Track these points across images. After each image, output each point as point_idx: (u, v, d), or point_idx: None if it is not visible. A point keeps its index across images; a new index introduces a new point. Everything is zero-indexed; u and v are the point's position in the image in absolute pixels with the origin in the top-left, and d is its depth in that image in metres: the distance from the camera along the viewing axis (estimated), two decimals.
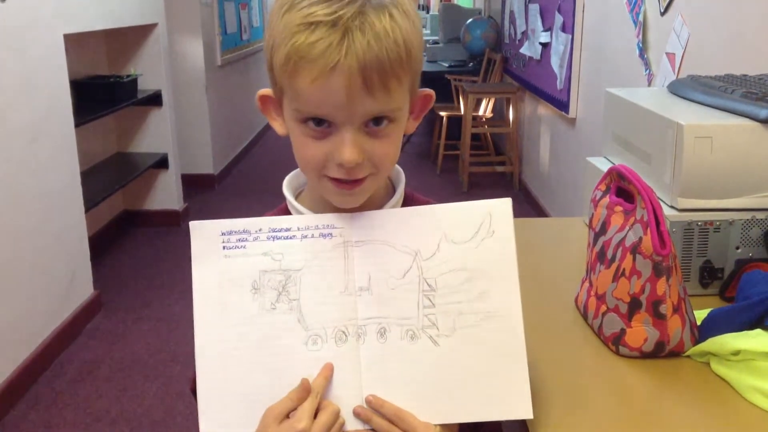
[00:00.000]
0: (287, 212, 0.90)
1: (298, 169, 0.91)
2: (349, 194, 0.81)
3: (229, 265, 0.82)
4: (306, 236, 0.82)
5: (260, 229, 0.83)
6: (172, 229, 4.33)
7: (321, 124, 0.77)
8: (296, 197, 0.91)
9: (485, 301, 0.82)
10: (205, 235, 0.83)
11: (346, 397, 0.81)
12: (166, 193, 4.45)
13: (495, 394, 0.82)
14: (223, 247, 0.82)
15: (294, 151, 0.82)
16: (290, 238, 0.82)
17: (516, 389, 0.82)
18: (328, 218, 0.83)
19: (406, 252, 0.82)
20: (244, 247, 0.82)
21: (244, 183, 5.44)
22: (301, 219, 0.84)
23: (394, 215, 0.84)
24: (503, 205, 0.84)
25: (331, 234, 0.82)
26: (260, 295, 0.82)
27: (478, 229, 0.83)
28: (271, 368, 0.81)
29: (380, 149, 0.79)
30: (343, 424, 0.80)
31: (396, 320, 0.81)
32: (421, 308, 0.81)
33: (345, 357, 0.81)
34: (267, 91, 0.84)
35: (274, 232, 0.83)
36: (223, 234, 0.83)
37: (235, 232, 0.83)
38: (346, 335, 0.81)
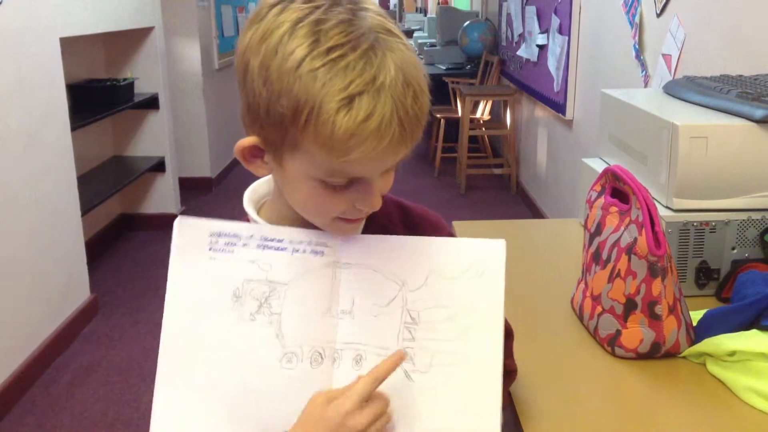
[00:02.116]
0: None
1: (260, 181, 0.88)
2: (355, 228, 0.80)
3: (213, 268, 0.79)
4: (297, 250, 0.80)
5: (251, 236, 0.80)
6: (169, 233, 4.23)
7: (343, 181, 0.73)
8: (258, 209, 0.88)
9: (466, 342, 0.79)
10: (193, 232, 0.80)
11: None
12: (163, 197, 4.44)
13: None
14: (210, 248, 0.80)
15: (296, 199, 0.77)
16: (281, 249, 0.80)
17: None
18: (322, 235, 0.80)
19: (394, 280, 0.80)
20: (232, 251, 0.79)
21: (242, 186, 5.33)
22: (295, 232, 0.81)
23: (387, 241, 0.81)
24: (497, 247, 0.80)
25: (322, 252, 0.80)
26: (240, 304, 0.78)
27: (469, 268, 0.80)
28: (238, 381, 0.77)
29: (387, 184, 0.77)
30: (390, 419, 0.77)
31: (373, 348, 0.79)
32: (401, 340, 0.79)
33: (317, 380, 0.78)
34: (251, 140, 0.74)
35: (265, 240, 0.80)
36: (212, 235, 0.80)
37: (225, 235, 0.80)
38: (321, 357, 0.78)
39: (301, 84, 0.67)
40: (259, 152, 0.76)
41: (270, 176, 0.87)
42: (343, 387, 0.75)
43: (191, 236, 0.80)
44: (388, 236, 0.82)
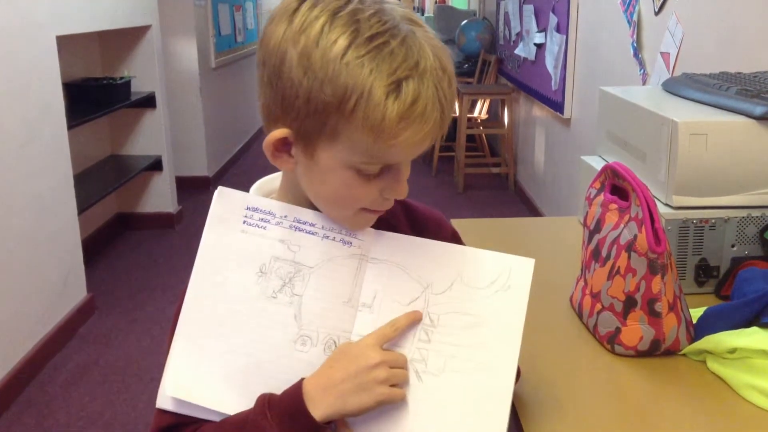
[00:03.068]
0: None
1: (267, 177, 0.89)
2: (374, 218, 0.82)
3: (244, 241, 0.80)
4: (327, 237, 0.81)
5: (285, 216, 0.81)
6: (166, 232, 4.32)
7: (378, 167, 0.75)
8: None
9: (482, 352, 0.80)
10: (230, 203, 0.81)
11: None
12: (160, 196, 4.43)
13: None
14: (244, 222, 0.81)
15: (325, 192, 0.78)
16: (312, 233, 0.81)
17: None
18: None
19: (419, 281, 0.81)
20: (265, 228, 0.81)
21: (240, 185, 5.33)
22: (329, 219, 0.82)
23: (417, 243, 0.83)
24: (526, 264, 0.82)
25: (351, 243, 0.81)
26: (265, 279, 0.80)
27: (495, 280, 0.81)
28: (251, 355, 0.79)
29: (407, 174, 0.79)
30: (405, 378, 0.79)
31: (388, 345, 0.79)
32: (416, 340, 0.80)
33: None
34: (283, 132, 0.75)
35: (298, 222, 0.81)
36: (248, 208, 0.81)
37: (260, 211, 0.81)
38: (335, 344, 0.79)
39: (348, 71, 0.69)
40: (286, 146, 0.77)
41: (276, 174, 0.88)
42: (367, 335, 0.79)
43: (228, 207, 0.82)
44: (419, 238, 0.84)
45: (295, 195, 0.83)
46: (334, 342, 0.79)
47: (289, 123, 0.74)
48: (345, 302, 0.80)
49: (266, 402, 0.76)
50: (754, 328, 1.03)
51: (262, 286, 0.80)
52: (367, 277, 0.81)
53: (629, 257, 1.06)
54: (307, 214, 0.81)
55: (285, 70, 0.72)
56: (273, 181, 0.89)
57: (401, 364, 0.78)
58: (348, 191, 0.76)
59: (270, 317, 0.79)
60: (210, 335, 0.79)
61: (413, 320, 0.79)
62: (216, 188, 0.84)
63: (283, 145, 0.77)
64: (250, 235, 0.81)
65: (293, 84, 0.71)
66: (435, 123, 0.71)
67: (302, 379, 0.77)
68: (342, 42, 0.69)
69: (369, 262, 0.81)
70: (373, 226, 0.83)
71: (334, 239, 0.81)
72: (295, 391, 0.76)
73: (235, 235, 0.81)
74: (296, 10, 0.72)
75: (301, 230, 0.81)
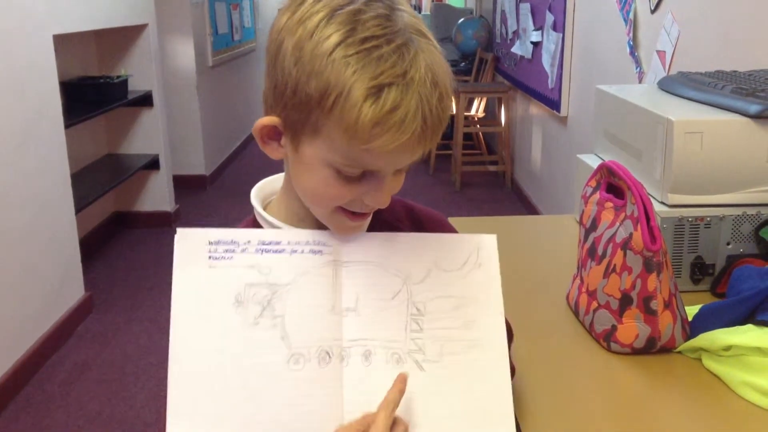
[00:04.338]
0: (256, 225, 0.88)
1: (269, 178, 0.89)
2: (358, 225, 0.80)
3: (214, 276, 0.79)
4: (296, 251, 0.80)
5: (249, 241, 0.80)
6: (163, 231, 4.32)
7: (357, 172, 0.74)
8: (264, 207, 0.88)
9: (471, 330, 0.82)
10: (191, 243, 0.80)
11: (326, 421, 0.78)
12: (157, 195, 4.43)
13: (479, 423, 0.80)
14: (209, 257, 0.80)
15: (305, 184, 0.77)
16: (279, 252, 0.80)
17: (500, 418, 0.81)
18: (320, 235, 0.81)
19: (397, 275, 0.81)
20: (231, 258, 0.79)
21: (237, 184, 5.43)
22: (293, 234, 0.81)
23: (386, 239, 0.83)
24: (490, 241, 0.85)
25: (321, 251, 0.80)
26: (243, 308, 0.78)
27: (467, 259, 0.84)
28: (248, 386, 0.77)
29: (397, 186, 0.78)
30: None
31: (382, 342, 0.79)
32: (409, 332, 0.80)
33: (327, 378, 0.78)
34: (272, 120, 0.76)
35: (263, 245, 0.80)
36: (210, 243, 0.80)
37: (223, 243, 0.80)
38: (329, 356, 0.78)
39: (332, 68, 0.68)
40: (276, 134, 0.77)
41: (277, 176, 0.88)
42: (358, 421, 0.76)
43: (190, 247, 0.80)
44: (386, 233, 0.83)
45: (296, 198, 0.82)
46: (327, 353, 0.78)
47: (279, 112, 0.74)
48: (329, 311, 0.79)
49: None
50: (749, 326, 1.03)
51: (242, 316, 0.78)
52: (345, 282, 0.80)
53: (625, 255, 1.06)
54: (270, 234, 0.81)
55: (280, 59, 0.72)
56: (274, 182, 0.89)
57: None
58: (326, 189, 0.75)
59: (257, 344, 0.78)
60: (202, 377, 0.78)
61: (402, 387, 0.77)
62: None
63: (274, 134, 0.77)
64: (218, 269, 0.79)
65: (284, 73, 0.72)
66: (414, 135, 0.69)
67: None
68: (334, 38, 0.69)
69: (343, 266, 0.80)
70: (374, 228, 0.83)
71: (303, 252, 0.80)
72: None
73: (204, 272, 0.79)
74: (303, 1, 0.72)
75: (267, 251, 0.80)
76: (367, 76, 0.67)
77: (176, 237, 0.80)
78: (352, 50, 0.68)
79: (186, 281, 0.80)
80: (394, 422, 0.76)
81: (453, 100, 0.83)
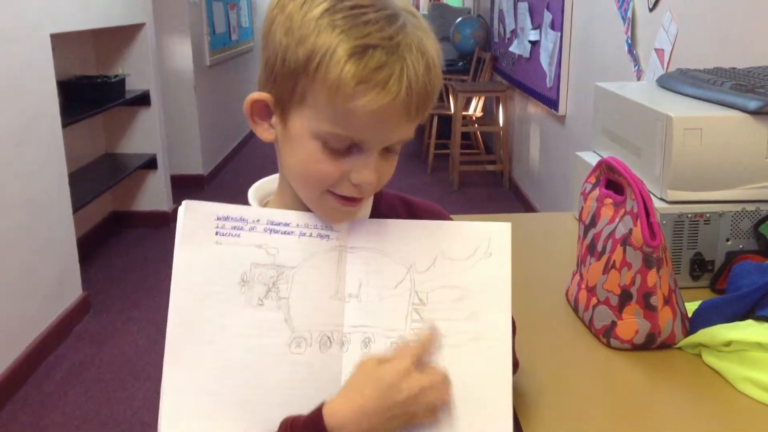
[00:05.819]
0: None
1: (267, 178, 0.88)
2: (349, 211, 0.79)
3: (220, 253, 0.77)
4: (304, 234, 0.79)
5: (258, 220, 0.79)
6: (161, 230, 4.31)
7: (344, 143, 0.73)
8: (263, 207, 0.87)
9: (475, 322, 0.80)
10: (199, 216, 0.78)
11: None
12: (155, 194, 4.42)
13: (476, 416, 0.80)
14: (216, 233, 0.78)
15: (293, 163, 0.77)
16: (288, 233, 0.79)
17: (498, 413, 0.80)
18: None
19: (401, 263, 0.80)
20: (239, 235, 0.78)
21: (235, 183, 5.42)
22: (302, 216, 0.80)
23: (393, 226, 0.82)
24: (503, 229, 0.83)
25: (328, 236, 0.80)
26: (248, 288, 0.77)
27: (476, 250, 0.81)
28: (248, 367, 0.76)
29: (387, 169, 0.77)
30: (447, 399, 0.77)
31: (382, 330, 0.79)
32: (409, 321, 0.79)
33: (327, 363, 0.78)
34: (262, 95, 0.76)
35: (272, 224, 0.79)
36: (218, 219, 0.78)
37: (232, 219, 0.78)
38: (330, 341, 0.78)
39: (319, 32, 0.69)
40: (267, 114, 0.77)
41: (275, 176, 0.87)
42: (394, 351, 0.76)
43: (198, 220, 0.78)
44: (395, 220, 0.83)
45: (292, 195, 0.82)
46: (328, 338, 0.78)
47: (269, 88, 0.75)
48: (332, 296, 0.79)
49: (288, 426, 0.75)
50: (749, 321, 1.03)
51: (246, 296, 0.77)
52: (349, 268, 0.79)
53: (624, 251, 1.06)
54: (280, 215, 0.80)
55: (272, 34, 0.73)
56: (271, 182, 0.88)
57: (441, 380, 0.77)
58: (314, 166, 0.74)
59: (260, 325, 0.77)
60: (202, 357, 0.77)
61: (435, 336, 0.78)
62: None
63: (264, 113, 0.77)
64: (225, 246, 0.78)
65: (275, 45, 0.72)
66: (399, 100, 0.69)
67: (323, 403, 0.75)
68: (323, 5, 0.70)
69: (348, 252, 0.80)
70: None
71: (311, 235, 0.79)
72: (318, 418, 0.74)
73: (209, 248, 0.77)
74: None
75: (276, 232, 0.79)
76: (353, 36, 0.68)
77: (181, 208, 0.78)
78: (340, 15, 0.69)
79: (190, 256, 0.78)
80: (432, 368, 0.77)
81: (441, 74, 0.82)
